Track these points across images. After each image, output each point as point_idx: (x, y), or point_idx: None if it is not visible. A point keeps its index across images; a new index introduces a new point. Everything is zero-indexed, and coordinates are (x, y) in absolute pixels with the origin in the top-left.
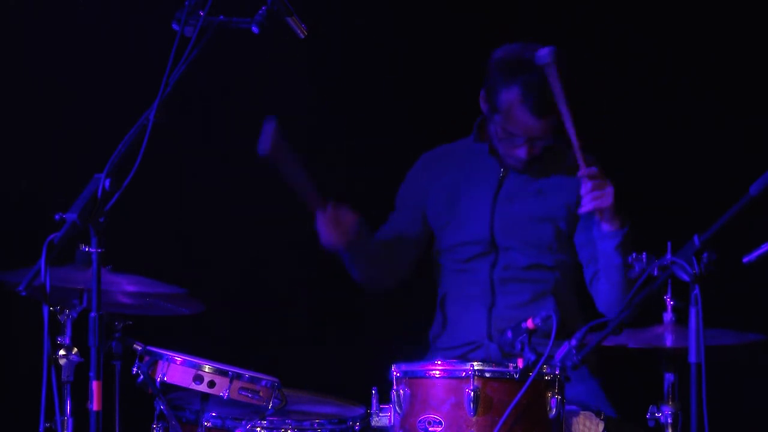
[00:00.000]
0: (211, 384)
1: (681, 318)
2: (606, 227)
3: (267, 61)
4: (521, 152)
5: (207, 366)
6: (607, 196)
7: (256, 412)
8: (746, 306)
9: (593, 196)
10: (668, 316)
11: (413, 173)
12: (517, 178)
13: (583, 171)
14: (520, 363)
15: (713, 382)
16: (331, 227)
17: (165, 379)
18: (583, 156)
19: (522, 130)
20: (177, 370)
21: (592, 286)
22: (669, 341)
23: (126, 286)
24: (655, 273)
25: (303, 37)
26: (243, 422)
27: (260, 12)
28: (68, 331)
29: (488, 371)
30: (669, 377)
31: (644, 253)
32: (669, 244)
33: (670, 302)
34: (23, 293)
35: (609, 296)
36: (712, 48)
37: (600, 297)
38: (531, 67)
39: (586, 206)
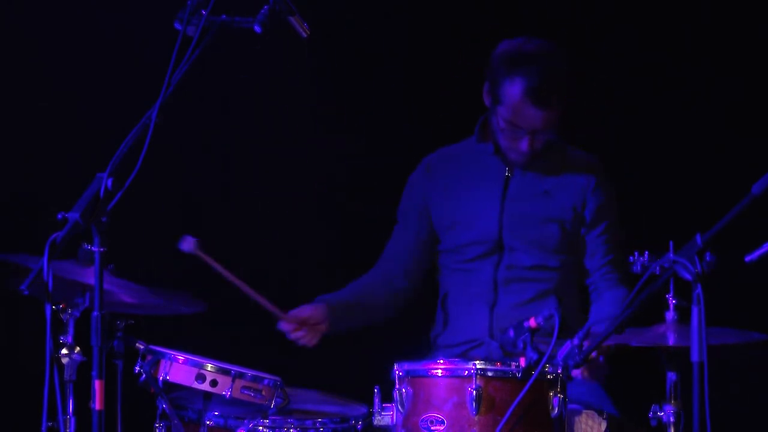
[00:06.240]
0: (214, 383)
1: (683, 317)
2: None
3: (268, 61)
4: (523, 145)
5: (209, 365)
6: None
7: (259, 411)
8: (749, 305)
9: (587, 376)
10: (670, 314)
11: (415, 178)
12: (523, 177)
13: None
14: (523, 362)
15: (716, 381)
16: (300, 333)
17: (167, 378)
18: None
19: (525, 122)
20: (179, 369)
21: (590, 294)
22: (671, 340)
23: (124, 297)
24: (657, 272)
25: (306, 36)
26: (245, 421)
27: (262, 11)
28: (71, 330)
29: (490, 370)
30: (671, 376)
31: (646, 252)
32: (671, 243)
33: (672, 301)
34: (26, 292)
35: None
36: (716, 46)
37: (592, 310)
38: (534, 59)
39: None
